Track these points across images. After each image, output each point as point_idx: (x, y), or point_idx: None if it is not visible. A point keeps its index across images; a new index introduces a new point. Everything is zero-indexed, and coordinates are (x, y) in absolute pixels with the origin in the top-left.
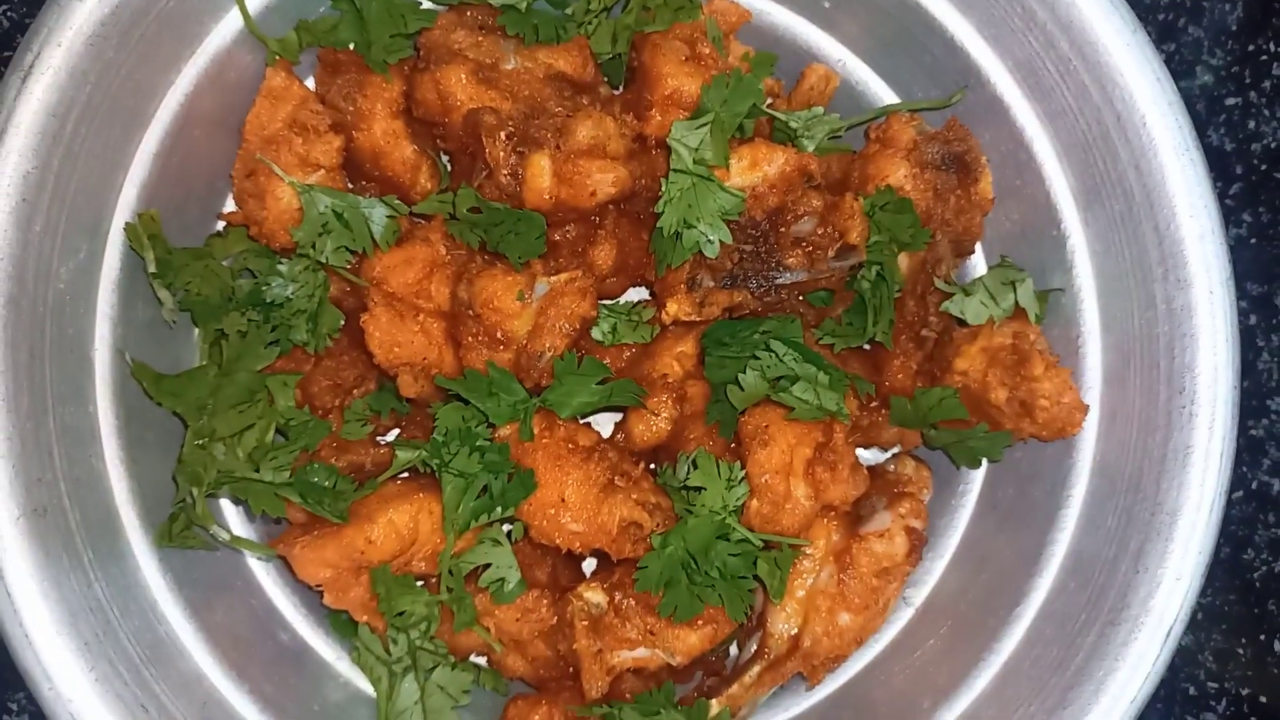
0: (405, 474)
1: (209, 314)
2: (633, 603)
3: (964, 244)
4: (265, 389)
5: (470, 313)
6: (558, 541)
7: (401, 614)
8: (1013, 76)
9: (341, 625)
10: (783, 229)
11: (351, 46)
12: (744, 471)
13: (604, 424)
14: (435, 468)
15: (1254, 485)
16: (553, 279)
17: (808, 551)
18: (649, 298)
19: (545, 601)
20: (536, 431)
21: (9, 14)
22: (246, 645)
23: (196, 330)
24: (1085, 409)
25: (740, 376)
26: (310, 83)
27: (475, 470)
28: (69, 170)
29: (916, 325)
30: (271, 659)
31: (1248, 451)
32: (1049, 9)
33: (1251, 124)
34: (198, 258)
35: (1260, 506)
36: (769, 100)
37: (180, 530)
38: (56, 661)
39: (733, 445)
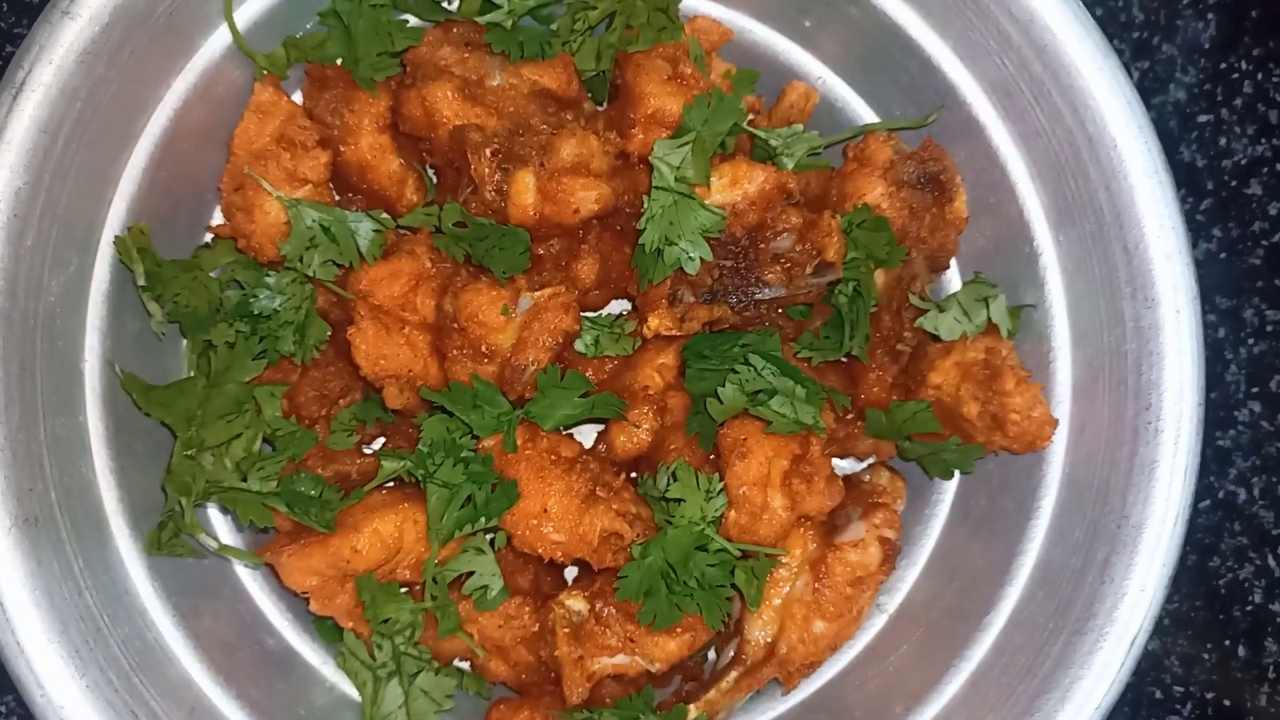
0: (390, 484)
1: (197, 325)
2: (613, 611)
3: (939, 261)
4: (253, 399)
5: (455, 326)
6: (540, 551)
7: (386, 621)
8: (988, 97)
9: (327, 631)
10: (762, 246)
11: (339, 62)
12: (722, 483)
13: (586, 435)
14: (420, 478)
15: (1221, 495)
16: (536, 294)
17: (784, 561)
18: (631, 310)
19: (527, 609)
20: (520, 443)
21: None
22: (234, 651)
23: (185, 342)
24: (1055, 423)
25: (719, 389)
26: (298, 98)
27: (459, 481)
28: (60, 185)
29: (892, 340)
30: (258, 664)
31: (1215, 461)
32: (1023, 32)
33: (1223, 140)
34: (186, 270)
35: (1227, 515)
36: (750, 117)
37: (169, 539)
38: (48, 669)
39: (712, 457)
